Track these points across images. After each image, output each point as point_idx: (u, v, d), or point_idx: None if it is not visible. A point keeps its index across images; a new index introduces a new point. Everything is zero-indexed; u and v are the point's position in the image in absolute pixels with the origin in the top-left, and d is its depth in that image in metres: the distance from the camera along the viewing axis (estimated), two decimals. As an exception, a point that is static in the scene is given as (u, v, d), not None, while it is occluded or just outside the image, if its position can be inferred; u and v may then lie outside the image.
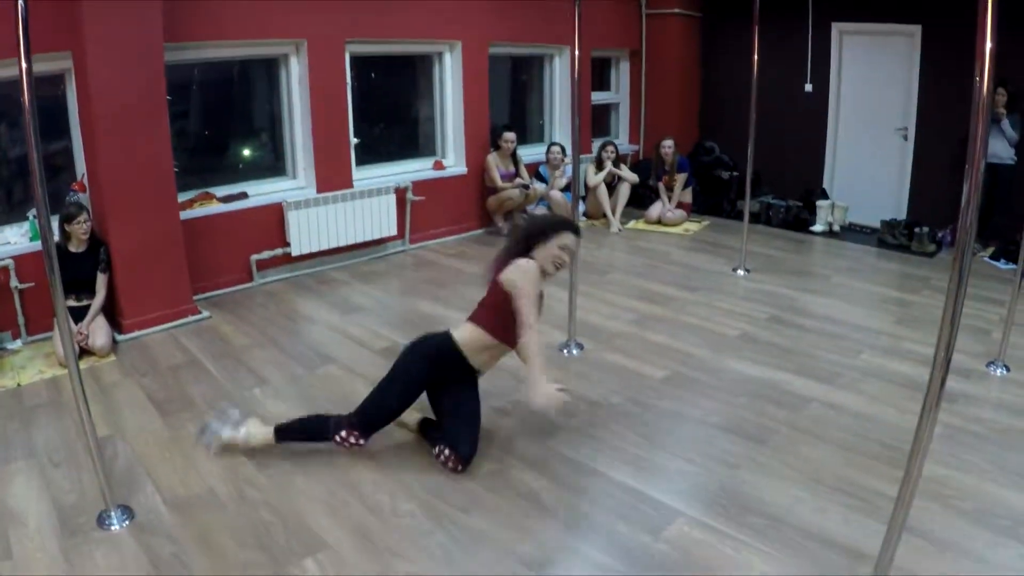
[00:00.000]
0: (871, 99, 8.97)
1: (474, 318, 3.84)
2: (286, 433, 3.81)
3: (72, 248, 5.14)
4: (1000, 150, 7.50)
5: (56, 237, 5.02)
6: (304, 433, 3.84)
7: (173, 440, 4.02)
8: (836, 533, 3.21)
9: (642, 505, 3.43)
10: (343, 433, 3.69)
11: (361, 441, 3.71)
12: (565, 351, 5.15)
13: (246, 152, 7.13)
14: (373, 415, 3.74)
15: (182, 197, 6.09)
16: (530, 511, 3.41)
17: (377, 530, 3.23)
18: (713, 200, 9.64)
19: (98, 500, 3.36)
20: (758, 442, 3.98)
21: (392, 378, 3.76)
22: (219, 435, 3.82)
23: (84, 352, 5.06)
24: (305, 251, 6.82)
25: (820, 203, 8.99)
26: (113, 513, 3.32)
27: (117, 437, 4.04)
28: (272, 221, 6.65)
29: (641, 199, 9.37)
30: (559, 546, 3.17)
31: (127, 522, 3.30)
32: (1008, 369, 4.87)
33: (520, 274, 3.66)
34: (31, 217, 5.35)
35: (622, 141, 10.55)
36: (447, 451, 3.66)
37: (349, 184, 7.12)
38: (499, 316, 3.73)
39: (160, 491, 3.55)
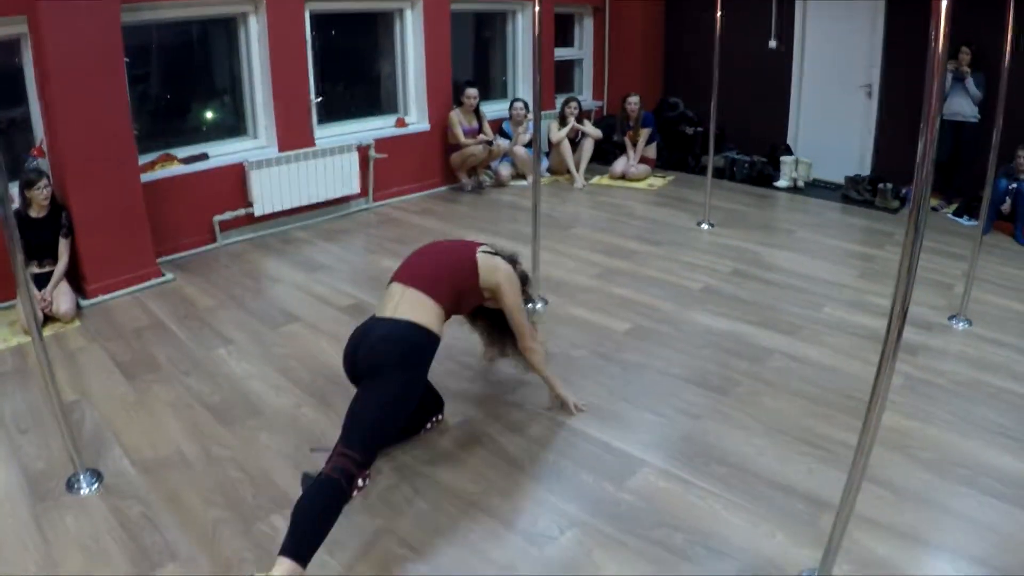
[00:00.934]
0: (836, 56, 8.99)
1: (439, 298, 3.32)
2: (303, 548, 2.60)
3: (33, 214, 5.08)
4: (964, 108, 7.57)
5: (16, 204, 4.99)
6: (324, 522, 2.70)
7: (139, 403, 4.01)
8: (799, 482, 3.27)
9: (607, 456, 3.49)
10: (358, 483, 2.92)
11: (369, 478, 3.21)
12: (529, 306, 5.17)
13: (207, 113, 7.05)
14: (380, 444, 3.09)
15: (143, 160, 6.03)
16: (497, 464, 3.46)
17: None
18: (678, 156, 9.67)
19: (67, 465, 3.37)
20: (721, 393, 4.04)
21: (394, 401, 3.03)
22: None
23: (49, 318, 5.01)
24: (268, 211, 6.77)
25: (784, 159, 9.03)
26: (82, 477, 3.32)
27: (84, 402, 4.03)
28: (234, 182, 6.60)
29: (606, 155, 9.37)
30: (526, 497, 3.23)
31: (96, 485, 3.30)
32: (970, 323, 4.95)
33: (508, 282, 3.58)
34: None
35: (586, 97, 10.53)
36: (440, 415, 3.75)
37: (311, 143, 7.07)
38: (461, 301, 3.51)
39: (128, 453, 3.55)
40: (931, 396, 4.06)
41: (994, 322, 4.99)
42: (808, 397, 3.99)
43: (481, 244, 3.69)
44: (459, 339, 4.33)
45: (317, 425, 3.72)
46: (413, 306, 3.24)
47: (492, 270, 3.54)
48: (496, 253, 3.68)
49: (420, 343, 3.17)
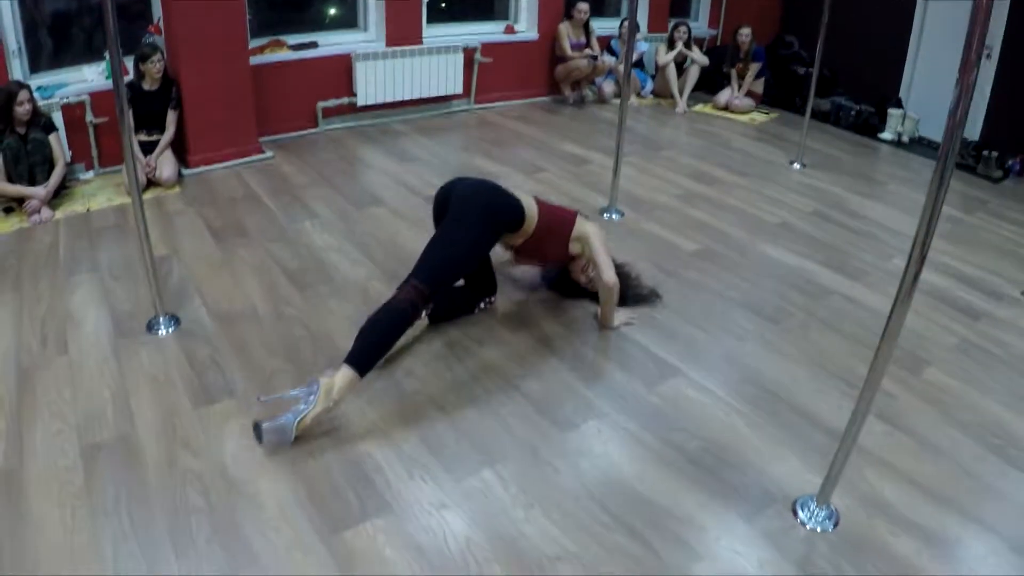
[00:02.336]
0: (960, 12, 8.71)
1: (539, 207, 3.73)
2: (364, 357, 3.07)
3: (146, 86, 5.39)
4: None
5: (131, 76, 5.31)
6: (387, 339, 3.18)
7: (224, 262, 4.33)
8: (825, 416, 3.36)
9: (646, 360, 3.66)
10: (421, 313, 3.29)
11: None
12: (605, 215, 5.32)
13: (319, 3, 7.26)
14: (445, 281, 3.37)
15: (254, 43, 6.29)
16: (541, 350, 3.69)
17: (395, 353, 3.51)
18: (786, 94, 9.57)
19: (150, 309, 3.70)
20: (772, 321, 4.13)
21: (465, 247, 3.39)
22: (294, 422, 2.90)
23: (151, 183, 5.37)
24: (370, 102, 7.00)
25: (892, 111, 8.87)
26: (161, 320, 3.67)
27: (173, 258, 4.37)
28: (340, 71, 6.82)
29: (713, 84, 9.29)
30: (560, 384, 3.44)
31: (173, 328, 3.65)
32: (1044, 302, 4.90)
33: (596, 234, 3.81)
34: (106, 56, 5.56)
35: (701, 25, 10.43)
36: (492, 297, 4.00)
37: (419, 40, 7.23)
38: (547, 236, 3.74)
39: (206, 304, 3.87)
40: (983, 363, 4.05)
41: (1070, 305, 4.96)
42: (856, 339, 4.03)
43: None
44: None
45: (383, 297, 3.89)
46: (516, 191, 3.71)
47: (583, 223, 3.81)
48: None
49: (507, 207, 3.57)
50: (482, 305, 3.94)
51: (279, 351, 3.49)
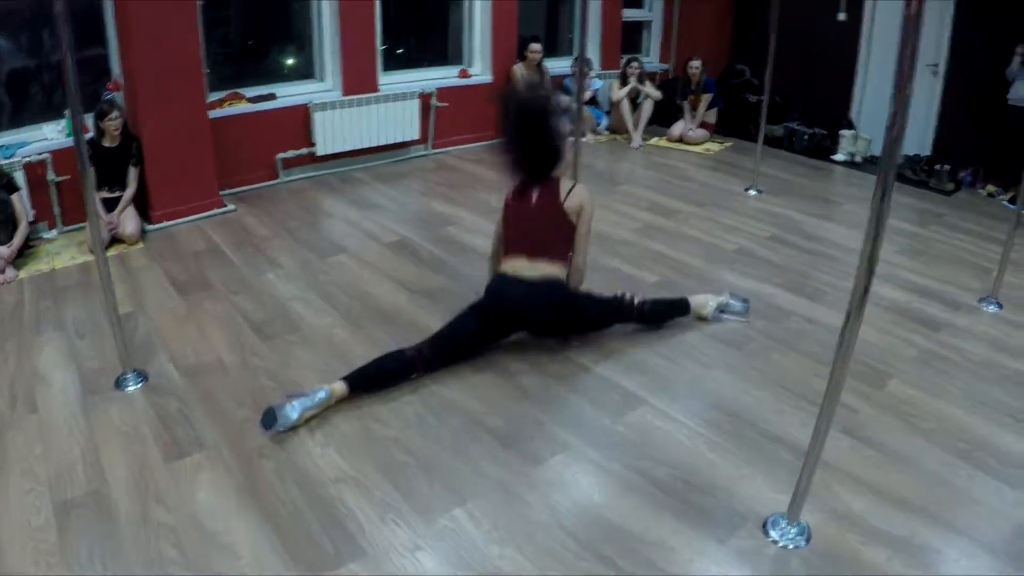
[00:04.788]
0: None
1: (562, 258, 3.99)
2: (360, 381, 3.55)
3: (106, 143, 5.42)
4: None
5: (91, 133, 5.34)
6: (381, 377, 3.63)
7: (189, 316, 4.34)
8: (790, 434, 3.41)
9: (611, 392, 3.70)
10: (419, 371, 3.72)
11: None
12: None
13: (277, 56, 7.35)
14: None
15: (213, 97, 6.35)
16: (504, 386, 3.73)
17: (363, 399, 3.54)
18: (739, 123, 9.71)
19: (117, 366, 3.71)
20: (734, 347, 4.19)
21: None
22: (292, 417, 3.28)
23: (115, 240, 5.38)
24: (330, 151, 7.05)
25: (843, 133, 9.03)
26: (129, 376, 3.67)
27: (138, 313, 4.38)
28: (298, 122, 6.88)
29: (667, 117, 9.43)
30: (526, 420, 3.47)
31: (141, 384, 3.65)
32: (1000, 306, 4.98)
33: (590, 203, 4.02)
34: (66, 114, 5.59)
35: (653, 59, 10.61)
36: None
37: (375, 88, 7.31)
38: (569, 243, 4.02)
39: (173, 358, 3.88)
40: (944, 371, 4.14)
41: (1026, 308, 5.06)
42: (817, 358, 4.09)
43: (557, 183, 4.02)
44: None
45: (347, 344, 4.03)
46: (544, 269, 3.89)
47: (574, 196, 3.97)
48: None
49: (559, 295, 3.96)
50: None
51: (247, 402, 3.51)
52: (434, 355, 3.71)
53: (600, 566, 2.64)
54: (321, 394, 3.37)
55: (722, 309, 4.51)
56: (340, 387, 3.45)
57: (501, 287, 3.87)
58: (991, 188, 8.00)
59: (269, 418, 3.24)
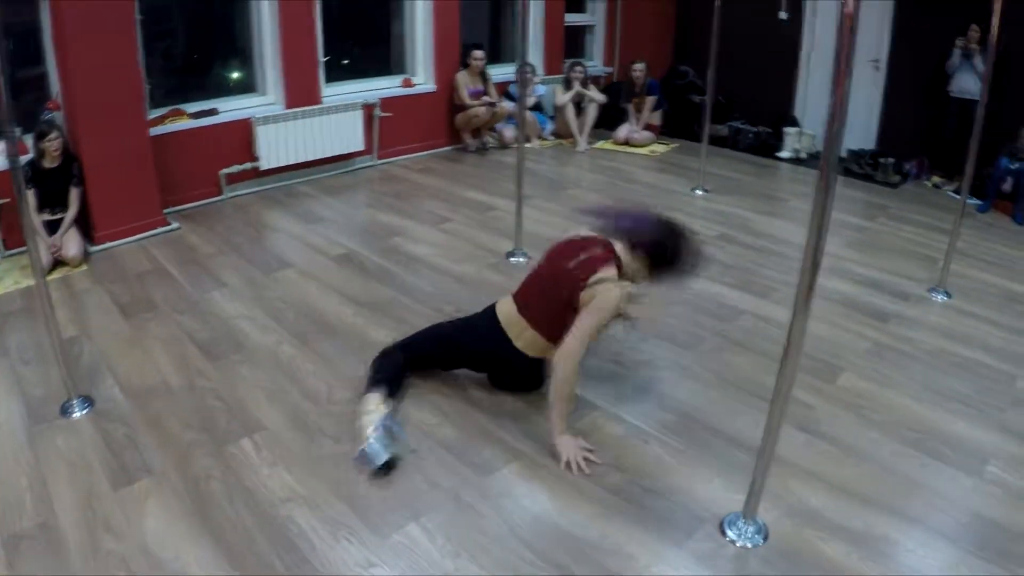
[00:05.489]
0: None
1: (541, 329, 3.45)
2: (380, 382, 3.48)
3: (46, 164, 5.29)
4: (971, 86, 7.60)
5: (31, 154, 5.24)
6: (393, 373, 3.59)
7: (134, 338, 4.26)
8: (745, 434, 3.42)
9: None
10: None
11: None
12: (511, 259, 5.37)
13: (218, 70, 7.25)
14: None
15: (154, 114, 6.25)
16: (453, 397, 3.70)
17: (311, 414, 3.51)
18: (684, 123, 9.77)
19: (62, 392, 3.61)
20: (685, 348, 4.20)
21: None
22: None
23: (58, 263, 5.26)
24: (274, 165, 6.97)
25: (788, 130, 9.13)
26: (75, 402, 3.58)
27: (83, 337, 4.28)
28: (241, 136, 6.80)
29: (613, 121, 9.47)
30: (478, 431, 3.44)
31: (87, 410, 3.56)
32: (949, 296, 5.05)
33: (611, 298, 3.21)
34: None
35: (596, 63, 10.64)
36: None
37: (318, 100, 7.25)
38: (565, 321, 3.28)
39: (119, 382, 3.80)
40: (896, 363, 4.18)
41: (974, 296, 5.09)
42: (770, 356, 4.10)
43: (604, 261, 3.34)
44: (442, 288, 4.56)
45: (294, 361, 3.97)
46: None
47: (606, 285, 3.24)
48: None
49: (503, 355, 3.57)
50: None
51: (194, 423, 3.44)
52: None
53: (558, 575, 2.62)
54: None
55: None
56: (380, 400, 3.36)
57: None
58: (936, 179, 8.13)
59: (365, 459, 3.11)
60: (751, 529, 2.83)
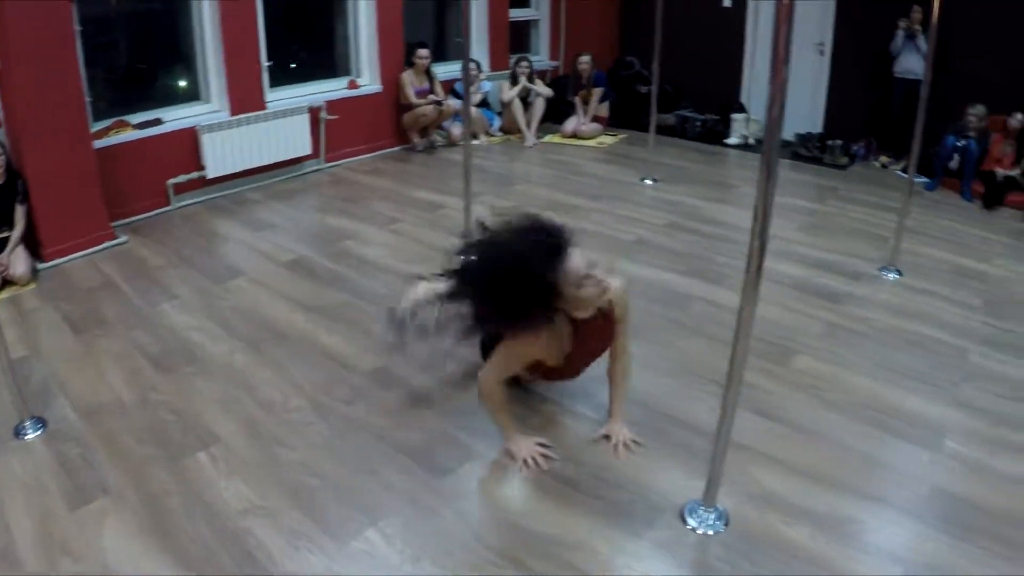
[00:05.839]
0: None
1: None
2: None
3: (-10, 182, 5.23)
4: (915, 66, 7.70)
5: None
6: None
7: (85, 355, 4.19)
8: (701, 420, 3.44)
9: (512, 399, 3.63)
10: None
11: None
12: (462, 257, 5.33)
13: (162, 79, 7.17)
14: None
15: (98, 126, 6.16)
16: (411, 402, 3.68)
17: (266, 424, 3.49)
18: (632, 114, 9.80)
19: (13, 414, 3.54)
20: (639, 338, 4.17)
21: None
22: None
23: (6, 282, 5.16)
24: (221, 173, 6.90)
25: (735, 116, 9.20)
26: (28, 424, 3.52)
27: (33, 356, 4.20)
28: (187, 146, 6.72)
29: (560, 114, 9.49)
30: (430, 432, 3.45)
31: (41, 431, 3.50)
32: (900, 273, 5.12)
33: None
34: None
35: (542, 57, 10.65)
36: None
37: (262, 106, 7.19)
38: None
39: (71, 401, 3.74)
40: (850, 342, 4.24)
41: (925, 273, 5.17)
42: (723, 341, 4.07)
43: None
44: (394, 290, 4.55)
45: (248, 370, 3.94)
46: None
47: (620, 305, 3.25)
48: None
49: None
50: None
51: (149, 439, 3.40)
52: None
53: (521, 573, 2.63)
54: None
55: None
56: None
57: None
58: (884, 159, 8.24)
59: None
60: (712, 516, 2.86)
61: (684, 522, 2.86)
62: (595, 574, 2.64)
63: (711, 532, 2.81)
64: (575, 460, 3.23)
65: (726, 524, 2.84)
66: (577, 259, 2.80)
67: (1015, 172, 7.11)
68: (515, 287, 2.75)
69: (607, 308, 3.11)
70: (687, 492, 2.98)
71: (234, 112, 6.98)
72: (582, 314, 3.00)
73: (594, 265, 2.87)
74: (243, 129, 6.96)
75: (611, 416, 3.41)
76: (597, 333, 3.15)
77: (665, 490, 3.04)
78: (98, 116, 6.21)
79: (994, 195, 7.05)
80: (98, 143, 5.96)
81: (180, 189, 6.76)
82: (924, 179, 7.34)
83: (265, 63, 7.22)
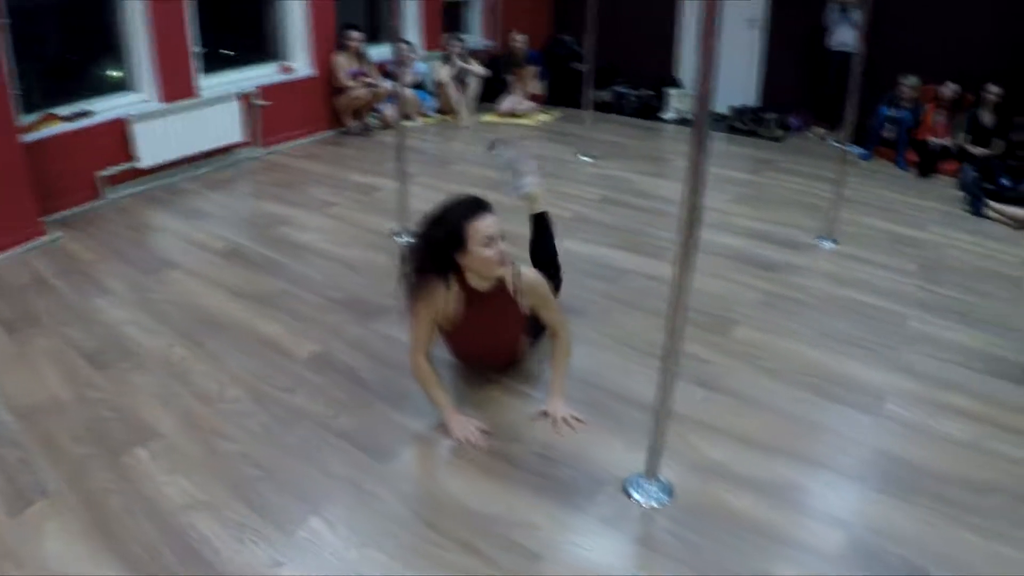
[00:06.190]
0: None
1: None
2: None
3: (-85, 183, 5.10)
4: (848, 39, 7.79)
5: None
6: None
7: (19, 355, 4.10)
8: (640, 393, 3.47)
9: (456, 377, 3.70)
10: None
11: None
12: (400, 239, 5.33)
13: (91, 70, 7.01)
14: None
15: (26, 120, 6.02)
16: (348, 386, 3.67)
17: (205, 416, 3.44)
18: (568, 92, 9.81)
19: (-52, 420, 3.48)
20: (576, 313, 4.22)
21: None
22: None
23: (-64, 284, 5.06)
24: (154, 164, 6.78)
25: (670, 91, 9.26)
26: (-38, 429, 3.44)
27: (-35, 361, 4.12)
28: (118, 137, 6.59)
29: (496, 93, 9.46)
30: (370, 416, 3.44)
31: (-24, 436, 3.43)
32: (837, 242, 5.20)
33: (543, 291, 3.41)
34: None
35: (476, 37, 10.60)
36: None
37: (194, 93, 7.08)
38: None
39: (7, 403, 3.65)
40: (788, 311, 4.30)
41: (862, 241, 5.26)
42: (661, 314, 4.06)
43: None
44: (331, 275, 4.53)
45: (186, 362, 3.88)
46: None
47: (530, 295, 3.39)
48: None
49: None
50: None
51: (87, 438, 3.34)
52: None
53: (467, 555, 2.64)
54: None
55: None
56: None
57: None
58: (819, 131, 8.35)
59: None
60: (655, 488, 2.90)
61: (628, 496, 2.90)
62: (540, 551, 2.65)
63: (655, 504, 2.85)
64: (517, 438, 3.24)
65: (670, 496, 2.88)
66: (490, 221, 3.12)
67: (948, 141, 7.25)
68: (433, 232, 3.19)
69: (510, 289, 3.30)
70: (630, 465, 3.01)
71: (165, 100, 6.85)
72: (480, 283, 3.23)
73: (503, 238, 3.15)
74: (175, 118, 6.84)
75: (550, 394, 3.44)
76: (492, 309, 3.31)
77: (607, 464, 3.07)
78: (28, 109, 6.06)
79: (928, 164, 7.20)
80: (26, 137, 5.82)
81: (112, 181, 6.64)
82: (859, 149, 7.45)
83: (195, 49, 7.10)
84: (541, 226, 4.19)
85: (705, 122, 2.26)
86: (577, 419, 3.34)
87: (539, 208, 4.13)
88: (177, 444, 3.25)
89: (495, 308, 3.31)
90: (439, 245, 3.15)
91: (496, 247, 3.10)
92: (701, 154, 2.30)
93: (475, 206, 3.17)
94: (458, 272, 3.23)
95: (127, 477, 3.07)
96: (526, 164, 4.30)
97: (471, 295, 3.26)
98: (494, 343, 3.56)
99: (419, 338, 3.30)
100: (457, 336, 3.44)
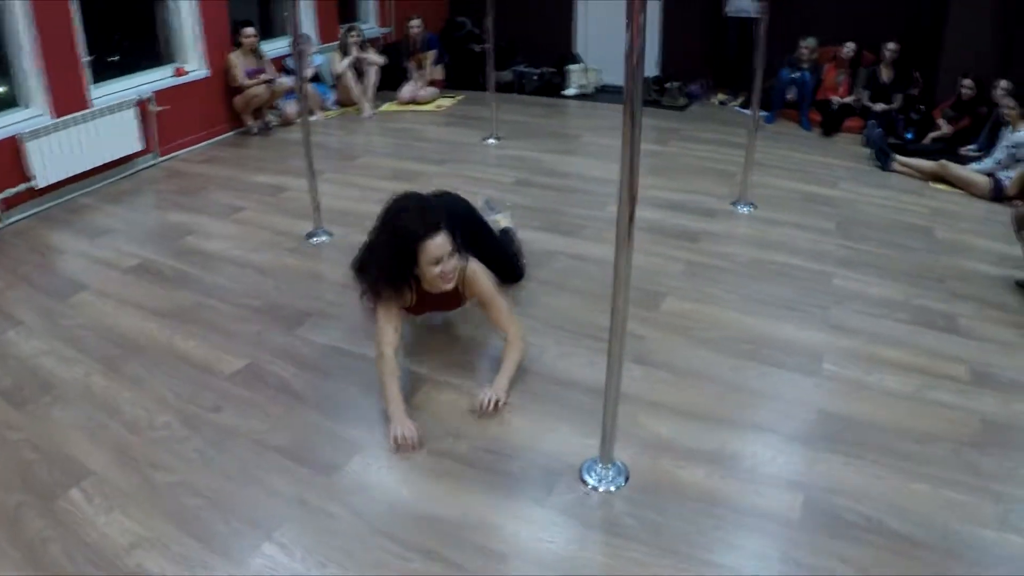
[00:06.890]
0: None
1: None
2: None
3: None
4: (746, 5, 7.89)
5: None
6: None
7: (-72, 400, 3.88)
8: (580, 375, 3.46)
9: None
10: None
11: None
12: (313, 239, 5.21)
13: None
14: None
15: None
16: (282, 400, 3.54)
17: (136, 447, 3.26)
18: (468, 74, 9.74)
19: None
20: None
21: None
22: None
23: None
24: (51, 182, 6.50)
25: (571, 67, 9.26)
26: None
27: None
28: (10, 156, 6.30)
29: (396, 81, 9.32)
30: (308, 428, 3.33)
31: None
32: (754, 206, 5.25)
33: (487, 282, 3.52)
34: None
35: (372, 25, 10.43)
36: None
37: (87, 104, 6.80)
38: None
39: (-81, 455, 3.45)
40: (713, 279, 4.32)
41: (777, 203, 5.31)
42: (589, 293, 4.16)
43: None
44: (244, 282, 4.40)
45: (108, 391, 3.68)
46: None
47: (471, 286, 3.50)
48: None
49: None
50: None
51: (14, 484, 3.12)
52: None
53: (430, 563, 2.58)
54: None
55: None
56: None
57: None
58: (722, 96, 8.44)
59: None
60: (610, 472, 2.88)
61: (584, 482, 2.87)
62: (506, 551, 2.60)
63: (612, 488, 2.83)
64: (464, 436, 3.18)
65: (626, 479, 2.86)
66: (440, 241, 3.21)
67: (850, 99, 7.39)
68: (385, 252, 3.34)
69: (459, 287, 3.43)
70: (581, 451, 2.99)
71: (57, 114, 6.57)
72: (430, 288, 3.37)
73: (453, 254, 3.26)
74: (69, 132, 6.55)
75: (489, 384, 3.41)
76: (444, 299, 3.50)
77: (559, 453, 3.04)
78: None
79: (832, 122, 7.34)
80: (-90, 168, 5.54)
81: (8, 204, 6.34)
82: (763, 113, 7.51)
83: (85, 58, 6.81)
84: (506, 236, 4.50)
85: (638, 98, 2.22)
86: (500, 402, 3.32)
87: (504, 226, 4.57)
88: (111, 480, 3.07)
89: (446, 298, 3.48)
90: (394, 261, 3.29)
91: (444, 266, 3.23)
92: (635, 129, 2.26)
93: (426, 225, 3.22)
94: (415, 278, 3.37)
95: (63, 522, 2.88)
96: (500, 205, 4.98)
97: (423, 294, 3.43)
98: (443, 311, 3.85)
99: (387, 330, 3.34)
100: (407, 309, 3.53)
